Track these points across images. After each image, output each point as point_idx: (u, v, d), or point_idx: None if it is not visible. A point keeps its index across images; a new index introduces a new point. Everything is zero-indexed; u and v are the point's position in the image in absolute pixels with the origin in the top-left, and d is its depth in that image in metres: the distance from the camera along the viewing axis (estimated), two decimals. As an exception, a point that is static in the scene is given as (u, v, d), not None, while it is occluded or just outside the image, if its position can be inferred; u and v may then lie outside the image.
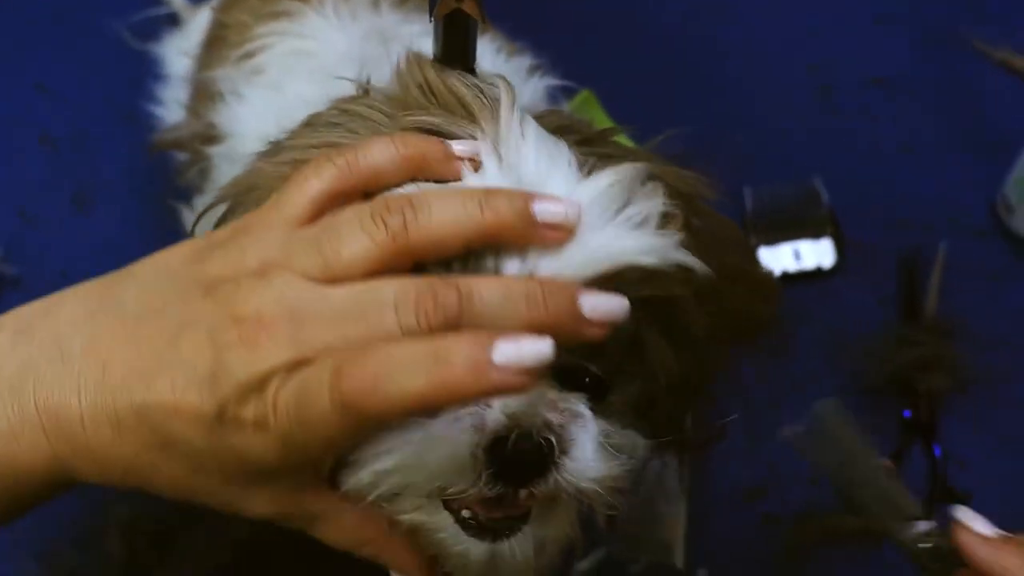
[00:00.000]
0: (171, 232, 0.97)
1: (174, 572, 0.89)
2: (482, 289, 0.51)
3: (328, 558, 0.61)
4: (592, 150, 0.58)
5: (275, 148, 0.61)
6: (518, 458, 0.54)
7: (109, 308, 0.55)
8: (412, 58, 0.59)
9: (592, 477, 0.56)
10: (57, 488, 0.57)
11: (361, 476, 0.56)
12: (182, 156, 0.91)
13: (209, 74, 0.85)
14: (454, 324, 0.50)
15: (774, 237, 1.03)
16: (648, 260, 0.54)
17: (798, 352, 0.97)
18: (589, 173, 0.55)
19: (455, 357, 0.49)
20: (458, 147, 0.56)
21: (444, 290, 0.51)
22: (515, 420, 0.54)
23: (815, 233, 1.02)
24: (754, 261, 0.65)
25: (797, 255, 1.02)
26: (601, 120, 1.07)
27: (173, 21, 1.13)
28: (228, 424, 0.52)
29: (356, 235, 0.53)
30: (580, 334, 0.52)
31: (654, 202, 0.56)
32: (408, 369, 0.49)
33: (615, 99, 1.10)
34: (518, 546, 0.58)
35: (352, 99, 0.61)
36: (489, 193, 0.53)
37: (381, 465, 0.55)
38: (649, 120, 1.10)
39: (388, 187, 0.56)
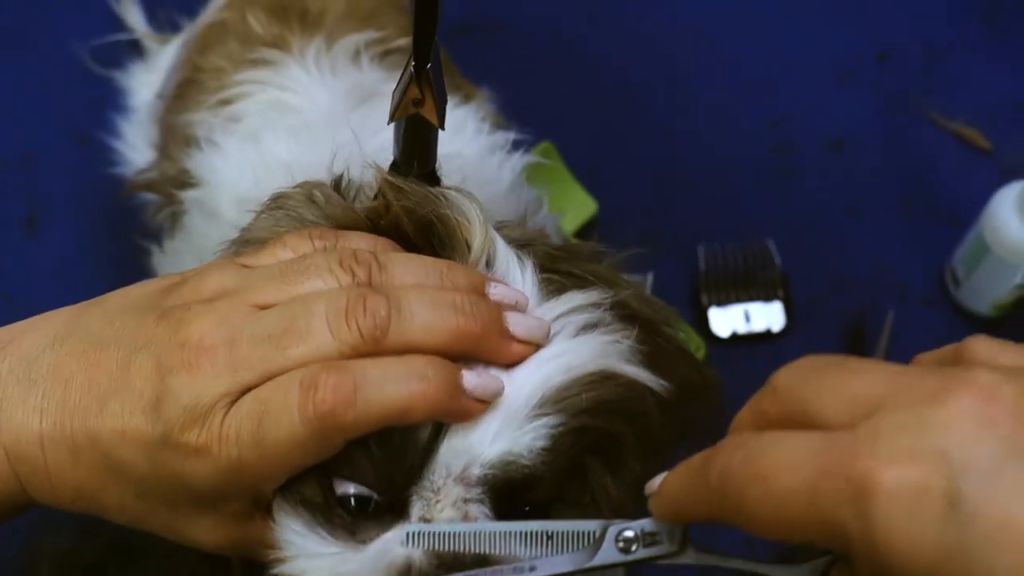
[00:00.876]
0: (122, 259, 0.96)
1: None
2: (411, 297, 0.53)
3: None
4: (556, 268, 0.58)
5: (240, 235, 0.61)
6: None
7: (75, 333, 0.56)
8: (386, 178, 0.59)
9: None
10: (13, 509, 0.58)
11: None
12: (152, 198, 0.90)
13: (183, 117, 0.84)
14: (384, 333, 0.52)
15: (725, 297, 1.04)
16: (600, 369, 0.55)
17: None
18: (551, 294, 0.57)
19: (431, 375, 0.51)
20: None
21: (374, 298, 0.52)
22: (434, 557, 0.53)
23: (766, 296, 1.04)
24: (705, 373, 0.66)
25: (747, 317, 1.03)
26: (560, 171, 1.08)
27: (136, 49, 1.11)
28: (171, 449, 0.52)
29: (321, 277, 0.54)
30: (504, 349, 0.54)
31: (613, 326, 0.57)
32: (387, 380, 0.51)
33: (574, 149, 1.11)
34: None
35: (325, 192, 0.61)
36: (466, 296, 0.54)
37: None
38: (606, 173, 1.12)
39: None
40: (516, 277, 0.57)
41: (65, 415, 0.54)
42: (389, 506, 0.55)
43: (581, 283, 0.58)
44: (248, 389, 0.52)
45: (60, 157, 1.11)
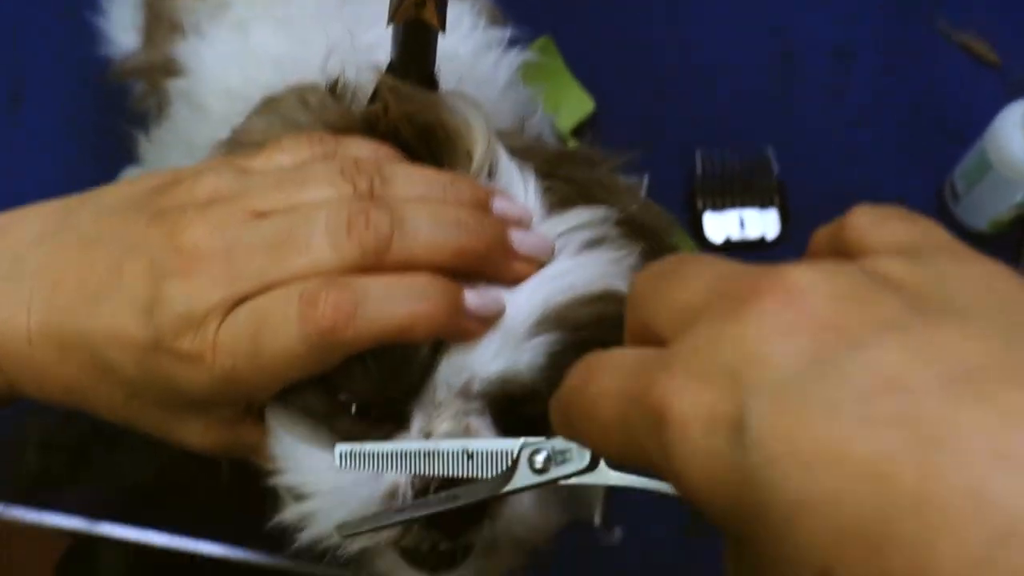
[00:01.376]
0: (107, 139, 0.95)
1: (88, 488, 0.89)
2: (415, 212, 0.52)
3: (254, 484, 0.61)
4: (556, 175, 0.57)
5: (233, 136, 0.60)
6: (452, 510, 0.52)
7: (66, 230, 0.55)
8: (386, 81, 0.57)
9: (529, 527, 0.56)
10: (1, 401, 0.57)
11: (286, 514, 0.56)
12: (138, 83, 0.89)
13: (169, 1, 0.81)
14: (386, 248, 0.51)
15: (721, 203, 1.02)
16: (602, 289, 0.54)
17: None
18: (553, 207, 0.55)
19: (433, 294, 0.50)
20: None
21: (376, 212, 0.51)
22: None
23: (762, 202, 1.02)
24: None
25: (742, 223, 1.02)
26: (557, 67, 1.06)
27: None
28: (164, 354, 0.51)
29: (321, 187, 0.53)
30: (507, 267, 0.53)
31: (618, 242, 0.56)
32: (388, 299, 0.50)
33: (571, 45, 1.08)
34: None
35: (320, 96, 0.59)
36: (471, 212, 0.53)
37: (304, 509, 0.55)
38: (606, 70, 1.10)
39: None
40: (519, 190, 0.55)
41: (54, 313, 0.53)
42: (390, 418, 0.54)
43: (584, 194, 0.57)
44: (244, 299, 0.51)
45: (46, 32, 1.08)
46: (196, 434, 0.56)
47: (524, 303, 0.53)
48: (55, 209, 0.57)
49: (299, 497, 0.56)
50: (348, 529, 0.54)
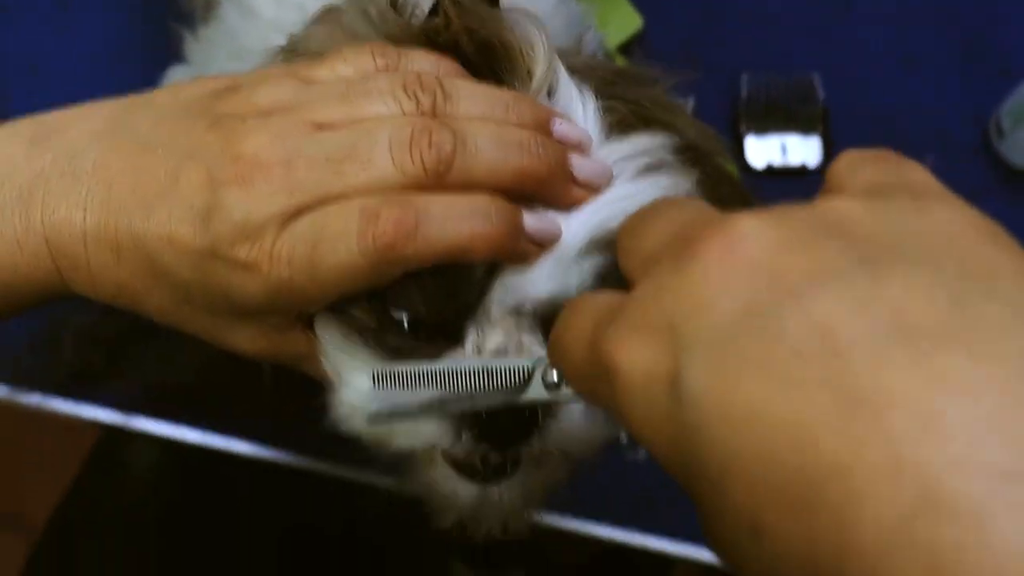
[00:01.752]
0: (154, 39, 0.94)
1: (124, 382, 0.90)
2: (477, 132, 0.52)
3: (291, 383, 0.62)
4: (614, 95, 0.57)
5: (291, 44, 0.60)
6: (500, 422, 0.54)
7: (123, 131, 0.55)
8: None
9: (577, 440, 0.57)
10: (53, 296, 0.58)
11: (338, 408, 0.57)
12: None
13: None
14: (447, 168, 0.51)
15: (764, 127, 1.01)
16: None
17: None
18: (612, 129, 0.55)
19: (493, 215, 0.51)
20: None
21: (439, 131, 0.51)
22: None
23: (805, 129, 1.01)
24: (748, 202, 0.65)
25: (784, 149, 1.01)
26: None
27: None
28: (219, 261, 0.52)
29: (384, 101, 0.53)
30: (566, 192, 0.53)
31: (675, 168, 0.56)
32: (449, 218, 0.50)
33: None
34: (507, 491, 0.58)
35: (381, 7, 0.59)
36: (533, 135, 0.53)
37: (350, 418, 0.57)
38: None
39: None
40: (578, 111, 0.56)
41: (110, 215, 0.54)
42: (442, 334, 0.55)
43: (642, 116, 0.57)
44: (303, 211, 0.51)
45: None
46: (245, 340, 0.57)
47: (578, 226, 0.53)
48: (112, 109, 0.57)
49: (345, 407, 0.57)
50: (378, 420, 0.55)
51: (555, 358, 0.44)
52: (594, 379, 0.40)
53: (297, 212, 0.51)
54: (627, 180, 0.55)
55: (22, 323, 0.89)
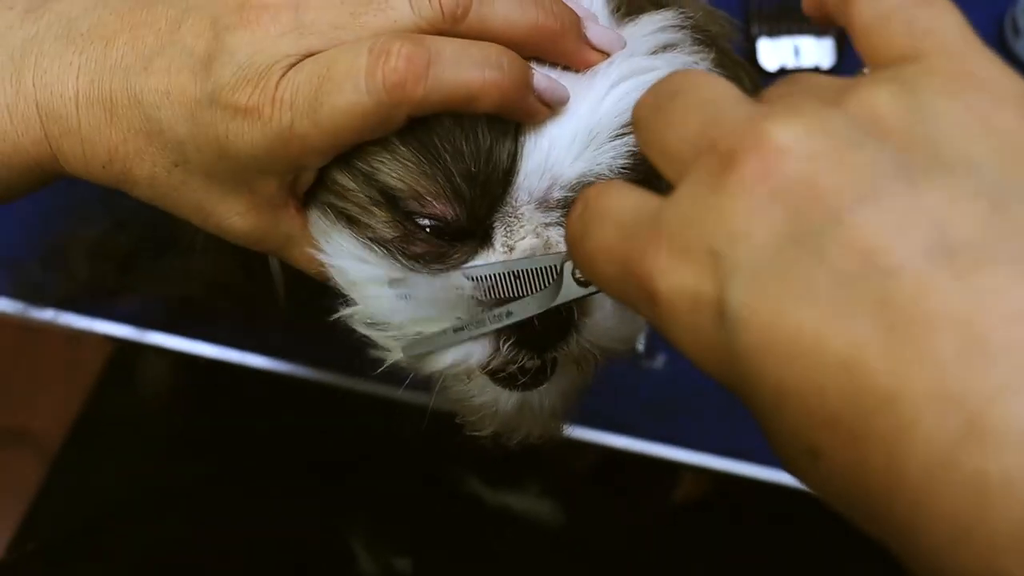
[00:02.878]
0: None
1: (136, 297, 0.90)
2: None
3: (304, 294, 0.61)
4: None
5: None
6: (537, 326, 0.53)
7: None
8: None
9: (613, 336, 0.56)
10: (43, 176, 0.57)
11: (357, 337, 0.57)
12: None
13: None
14: (465, 13, 0.50)
15: (777, 29, 1.00)
16: None
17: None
18: (623, 12, 0.55)
19: (504, 64, 0.50)
20: None
21: None
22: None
23: (818, 31, 1.00)
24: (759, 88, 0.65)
25: (797, 51, 0.99)
26: None
27: None
28: (218, 109, 0.50)
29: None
30: (580, 53, 0.53)
31: (692, 52, 0.56)
32: (460, 61, 0.49)
33: None
34: (546, 395, 0.57)
35: None
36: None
37: (376, 335, 0.56)
38: None
39: None
40: None
41: (105, 73, 0.52)
42: (469, 235, 0.54)
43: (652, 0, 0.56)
44: (311, 54, 0.50)
45: None
46: (236, 214, 0.55)
47: (607, 103, 0.53)
48: None
49: (370, 324, 0.56)
50: (416, 348, 0.55)
51: (580, 264, 0.42)
52: (628, 295, 0.39)
53: (305, 55, 0.50)
54: (645, 56, 0.54)
55: (32, 238, 0.89)
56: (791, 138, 0.35)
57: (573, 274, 0.50)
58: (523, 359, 0.55)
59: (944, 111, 0.35)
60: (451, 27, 0.50)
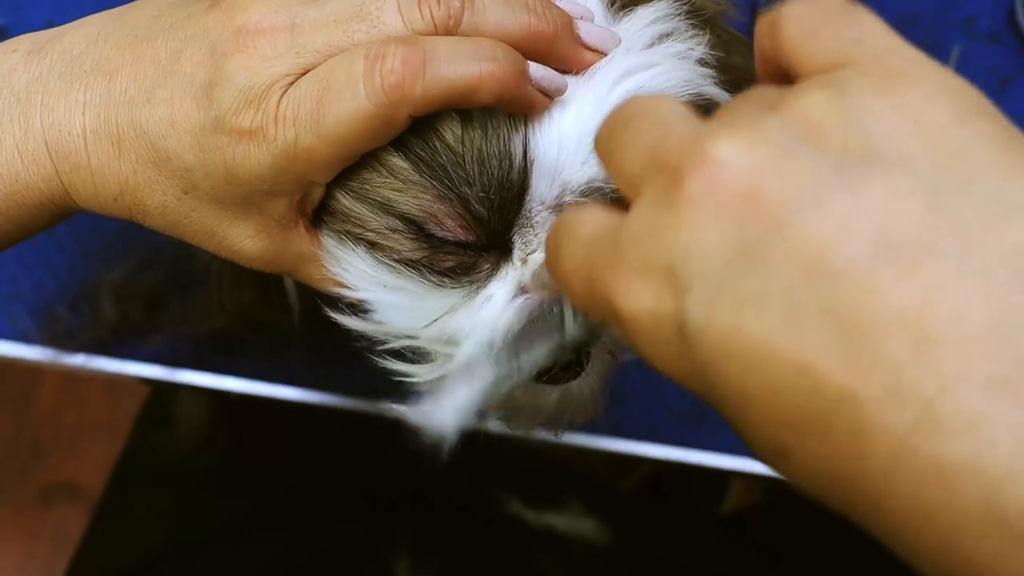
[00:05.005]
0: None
1: (165, 334, 0.91)
2: None
3: (324, 330, 0.62)
4: None
5: None
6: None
7: (122, 28, 0.55)
8: None
9: None
10: (56, 213, 0.58)
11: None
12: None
13: None
14: (456, 24, 0.51)
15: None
16: (681, 92, 0.54)
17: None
18: (618, 8, 0.56)
19: (500, 56, 0.50)
20: None
21: None
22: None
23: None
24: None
25: (807, 46, 0.99)
26: None
27: None
28: (223, 135, 0.51)
29: (393, 6, 0.52)
30: (574, 54, 0.53)
31: (688, 39, 0.56)
32: (456, 56, 0.50)
33: None
34: (584, 383, 0.59)
35: None
36: (540, 1, 0.53)
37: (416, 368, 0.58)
38: None
39: None
40: None
41: (110, 107, 0.53)
42: (492, 246, 0.55)
43: None
44: (308, 71, 0.51)
45: None
46: (247, 237, 0.56)
47: (609, 104, 0.53)
48: (110, 14, 0.57)
49: (406, 351, 0.58)
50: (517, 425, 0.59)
51: (556, 283, 0.43)
52: (599, 313, 0.40)
53: (303, 72, 0.51)
54: (641, 50, 0.54)
55: (60, 284, 0.90)
56: (732, 151, 0.36)
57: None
58: (560, 358, 0.56)
59: (876, 110, 0.36)
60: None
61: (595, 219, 0.41)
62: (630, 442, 0.94)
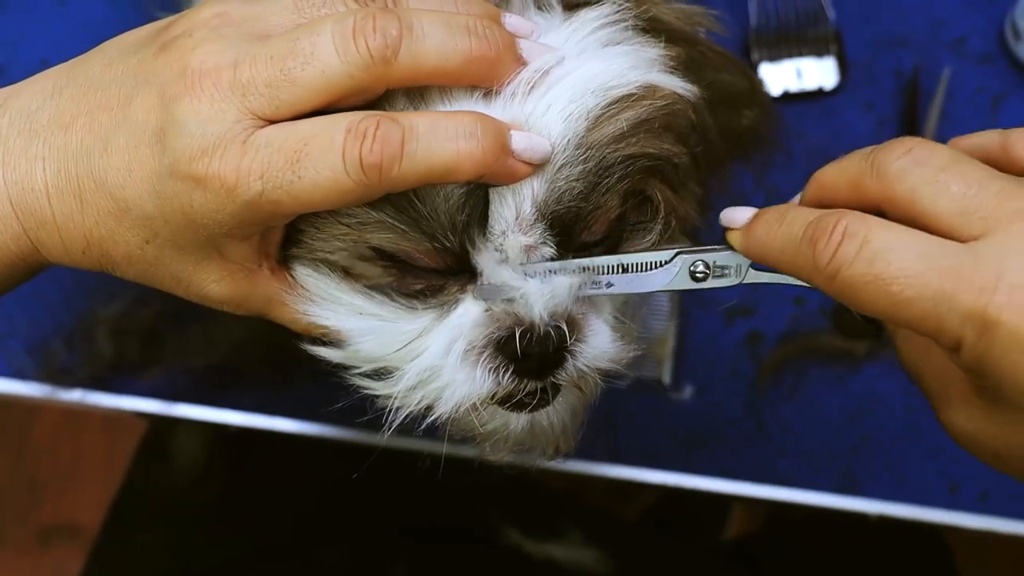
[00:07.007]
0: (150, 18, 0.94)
1: (162, 369, 0.90)
2: (424, 18, 0.52)
3: (316, 362, 0.61)
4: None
5: None
6: (533, 357, 0.56)
7: (75, 81, 0.55)
8: None
9: (609, 357, 0.58)
10: (27, 270, 0.58)
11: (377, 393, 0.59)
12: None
13: None
14: (394, 53, 0.50)
15: (777, 54, 1.00)
16: (632, 85, 0.54)
17: (793, 168, 0.95)
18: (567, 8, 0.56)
19: (480, 133, 0.51)
20: None
21: (384, 17, 0.51)
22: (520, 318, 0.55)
23: (818, 51, 1.00)
24: (752, 80, 0.65)
25: (799, 73, 1.00)
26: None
27: None
28: (179, 181, 0.51)
29: (335, 6, 0.52)
30: (516, 65, 0.53)
31: (638, 39, 0.56)
32: (435, 136, 0.50)
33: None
34: (554, 414, 0.60)
35: None
36: (480, 19, 0.53)
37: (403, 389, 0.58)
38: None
39: None
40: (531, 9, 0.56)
41: (68, 160, 0.53)
42: (459, 265, 0.56)
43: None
44: (261, 117, 0.51)
45: None
46: (212, 282, 0.56)
47: (558, 125, 0.53)
48: (64, 67, 0.57)
49: (386, 375, 0.58)
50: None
51: (863, 291, 0.47)
52: (939, 319, 0.46)
53: (254, 118, 0.51)
54: (591, 57, 0.55)
55: (56, 320, 0.90)
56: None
57: (692, 270, 0.54)
58: (525, 387, 0.57)
59: None
60: (384, 70, 0.51)
61: (929, 241, 0.47)
62: (630, 468, 0.93)
